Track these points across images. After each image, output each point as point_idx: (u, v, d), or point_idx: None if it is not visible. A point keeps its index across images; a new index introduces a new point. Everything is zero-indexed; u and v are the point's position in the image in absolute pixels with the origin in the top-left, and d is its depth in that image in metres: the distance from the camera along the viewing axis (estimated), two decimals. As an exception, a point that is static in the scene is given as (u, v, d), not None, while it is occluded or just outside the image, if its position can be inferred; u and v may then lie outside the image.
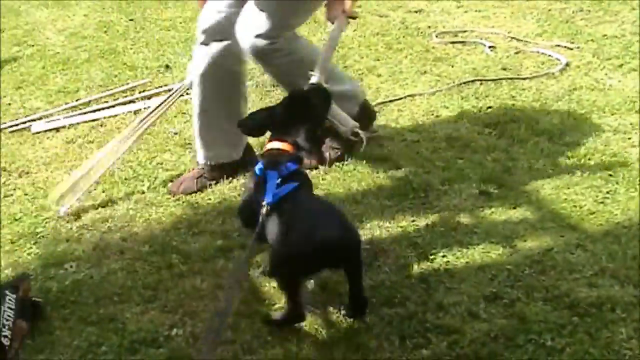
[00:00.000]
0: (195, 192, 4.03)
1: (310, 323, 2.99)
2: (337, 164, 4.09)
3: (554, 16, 5.84)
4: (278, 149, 3.15)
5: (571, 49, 5.11)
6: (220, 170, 4.10)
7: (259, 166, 3.13)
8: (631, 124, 4.19)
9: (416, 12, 6.26)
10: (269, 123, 3.23)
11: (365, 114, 4.20)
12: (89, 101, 5.34)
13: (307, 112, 3.23)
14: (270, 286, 3.22)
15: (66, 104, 5.33)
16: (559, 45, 5.25)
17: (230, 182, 4.06)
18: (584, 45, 5.28)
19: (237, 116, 3.69)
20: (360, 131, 3.69)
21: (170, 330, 3.05)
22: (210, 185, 4.06)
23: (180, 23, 6.69)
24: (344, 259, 2.88)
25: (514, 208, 3.59)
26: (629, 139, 4.06)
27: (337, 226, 2.87)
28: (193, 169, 4.17)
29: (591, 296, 2.96)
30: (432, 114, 4.57)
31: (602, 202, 3.56)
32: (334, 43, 3.83)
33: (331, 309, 3.05)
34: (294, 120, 3.18)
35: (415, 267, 3.23)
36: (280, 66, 3.93)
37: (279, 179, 3.01)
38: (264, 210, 2.92)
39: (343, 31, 3.87)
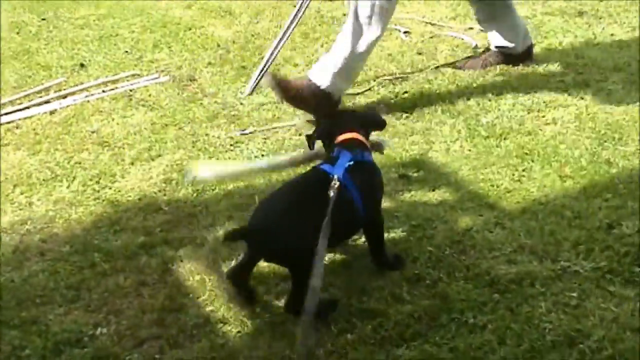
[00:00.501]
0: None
1: (235, 314, 2.99)
2: (257, 155, 4.11)
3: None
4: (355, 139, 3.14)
5: (484, 31, 5.15)
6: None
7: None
8: (544, 102, 4.26)
9: (331, 0, 6.27)
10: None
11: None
12: (4, 103, 5.24)
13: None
14: (193, 280, 3.21)
15: (-21, 106, 5.23)
16: (471, 28, 5.29)
17: (149, 179, 4.02)
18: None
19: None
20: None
21: (95, 329, 3.02)
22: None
23: (94, 21, 6.63)
24: (269, 255, 2.92)
25: (433, 190, 3.63)
26: (543, 117, 4.14)
27: (268, 221, 2.88)
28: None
29: (511, 272, 3.01)
30: (349, 101, 4.59)
31: (518, 180, 3.62)
32: None
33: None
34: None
35: (339, 253, 3.24)
36: None
37: (351, 162, 2.98)
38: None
39: None
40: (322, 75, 4.27)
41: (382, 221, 3.16)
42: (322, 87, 4.26)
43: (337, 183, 2.86)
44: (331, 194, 2.83)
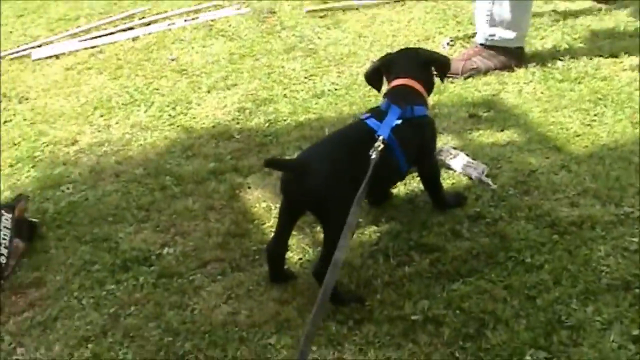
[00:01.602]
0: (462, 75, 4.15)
1: (297, 242, 3.06)
2: (330, 89, 4.14)
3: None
4: (408, 86, 3.06)
5: None
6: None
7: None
8: (623, 47, 4.19)
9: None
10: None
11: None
12: (89, 29, 5.38)
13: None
14: (259, 207, 3.29)
15: (66, 31, 5.37)
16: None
17: (224, 107, 4.10)
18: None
19: None
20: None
21: (162, 249, 3.14)
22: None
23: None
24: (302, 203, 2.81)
25: (502, 131, 3.63)
26: (620, 62, 4.07)
27: (306, 160, 2.82)
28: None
29: (572, 215, 3.00)
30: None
31: (589, 125, 3.59)
32: None
33: (318, 227, 3.11)
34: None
35: (402, 188, 3.27)
36: None
37: (400, 119, 2.89)
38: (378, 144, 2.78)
39: None
40: None
41: (436, 169, 3.14)
42: None
43: (382, 145, 2.76)
44: (373, 155, 2.72)
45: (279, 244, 2.87)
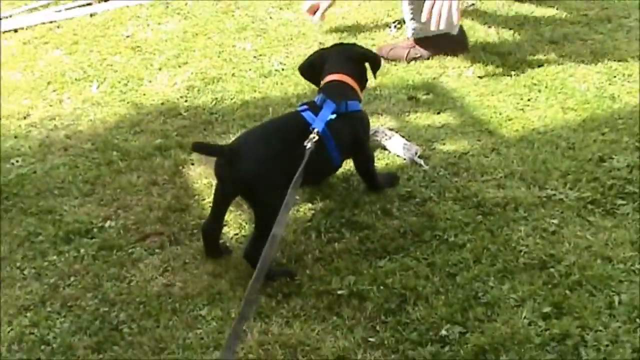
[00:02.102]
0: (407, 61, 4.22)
1: (234, 217, 3.17)
2: (278, 69, 4.24)
3: None
4: (342, 82, 3.17)
5: None
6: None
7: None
8: (564, 34, 4.32)
9: None
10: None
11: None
12: (48, 3, 5.44)
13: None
14: (201, 183, 3.40)
15: (25, 5, 5.43)
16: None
17: (174, 85, 4.20)
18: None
19: None
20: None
21: (104, 222, 3.25)
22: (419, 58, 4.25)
23: None
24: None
25: (438, 113, 3.75)
26: (559, 49, 4.20)
27: (239, 146, 2.91)
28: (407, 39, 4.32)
29: (497, 197, 3.13)
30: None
31: (521, 109, 3.72)
32: None
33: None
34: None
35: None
36: None
37: (334, 114, 3.00)
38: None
39: None
40: None
41: (369, 160, 3.23)
42: None
43: (316, 137, 2.87)
44: (308, 146, 2.82)
45: (214, 223, 2.98)
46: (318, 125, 2.92)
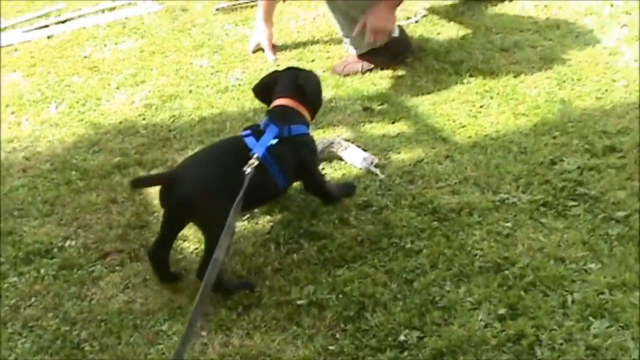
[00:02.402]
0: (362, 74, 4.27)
1: (194, 232, 3.19)
2: (234, 84, 4.29)
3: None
4: (288, 107, 3.21)
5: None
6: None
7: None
8: (514, 41, 4.38)
9: None
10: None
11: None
12: (4, 27, 5.46)
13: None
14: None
15: (-18, 30, 5.44)
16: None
17: (132, 104, 4.23)
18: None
19: None
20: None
21: (64, 241, 3.28)
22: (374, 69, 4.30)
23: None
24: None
25: (393, 123, 3.80)
26: (510, 56, 4.26)
27: (181, 171, 2.95)
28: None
29: (452, 202, 3.19)
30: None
31: (474, 116, 3.77)
32: None
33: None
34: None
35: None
36: None
37: (276, 138, 3.04)
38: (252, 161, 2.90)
39: None
40: None
41: (319, 183, 3.25)
42: None
43: (256, 162, 2.89)
44: (247, 170, 2.84)
45: (160, 249, 2.98)
46: (258, 151, 2.95)
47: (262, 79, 3.40)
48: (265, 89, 3.32)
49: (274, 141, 3.02)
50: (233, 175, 2.84)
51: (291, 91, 3.23)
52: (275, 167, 3.01)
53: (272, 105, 3.22)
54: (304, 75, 3.34)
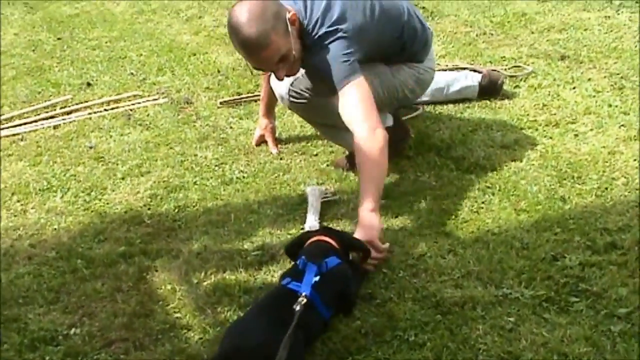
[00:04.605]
0: None
1: (198, 322, 3.23)
2: (239, 177, 4.35)
3: (459, 39, 6.13)
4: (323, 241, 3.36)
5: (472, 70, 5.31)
6: None
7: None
8: (515, 139, 4.46)
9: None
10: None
11: None
12: (12, 117, 5.54)
13: None
14: (165, 289, 3.46)
15: (-9, 120, 5.53)
16: (462, 68, 5.45)
17: (137, 194, 4.28)
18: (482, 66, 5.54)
19: None
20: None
21: (69, 329, 3.28)
22: None
23: (106, 42, 6.95)
24: None
25: (396, 217, 3.85)
26: (510, 153, 4.33)
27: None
28: None
29: (455, 296, 3.22)
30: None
31: (476, 212, 3.83)
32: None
33: (219, 309, 3.29)
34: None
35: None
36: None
37: (318, 276, 3.12)
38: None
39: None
40: None
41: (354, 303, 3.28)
42: None
43: (304, 300, 2.99)
44: (297, 308, 2.94)
45: None
46: (304, 289, 3.04)
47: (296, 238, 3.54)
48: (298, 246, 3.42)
49: (317, 277, 3.11)
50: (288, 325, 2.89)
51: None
52: (323, 305, 3.09)
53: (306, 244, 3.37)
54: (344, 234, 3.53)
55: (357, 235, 3.52)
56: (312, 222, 3.84)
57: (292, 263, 3.36)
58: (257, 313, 3.06)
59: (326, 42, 3.80)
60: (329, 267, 3.19)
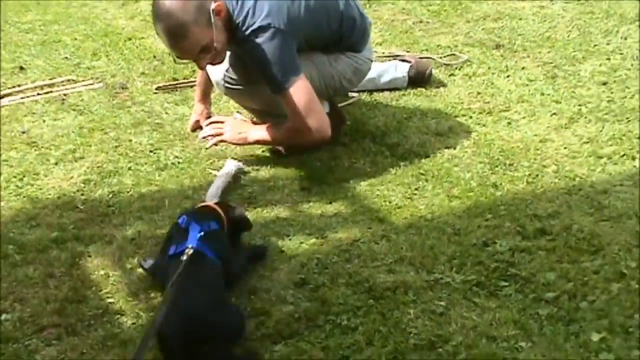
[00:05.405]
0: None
1: (131, 307, 3.24)
2: (174, 162, 4.35)
3: (396, 27, 6.16)
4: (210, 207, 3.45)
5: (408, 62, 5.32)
6: None
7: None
8: (449, 127, 4.51)
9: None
10: None
11: None
12: (-57, 101, 5.44)
13: None
14: (98, 274, 3.44)
15: None
16: (396, 56, 5.48)
17: (70, 179, 4.24)
18: (418, 54, 5.57)
19: None
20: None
21: (0, 315, 3.24)
22: None
23: (40, 26, 6.83)
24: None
25: (330, 203, 3.88)
26: (444, 140, 4.38)
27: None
28: None
29: (388, 281, 3.25)
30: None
31: (410, 198, 3.87)
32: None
33: (152, 294, 3.29)
34: None
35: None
36: None
37: (201, 232, 3.21)
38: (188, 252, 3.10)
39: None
40: None
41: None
42: None
43: (191, 251, 3.12)
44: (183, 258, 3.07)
45: None
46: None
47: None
48: None
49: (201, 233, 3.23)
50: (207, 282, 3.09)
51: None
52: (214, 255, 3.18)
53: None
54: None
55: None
56: (212, 192, 3.90)
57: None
58: (170, 291, 3.00)
59: (260, 39, 3.82)
60: (212, 228, 3.27)
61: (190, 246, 3.13)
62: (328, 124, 3.99)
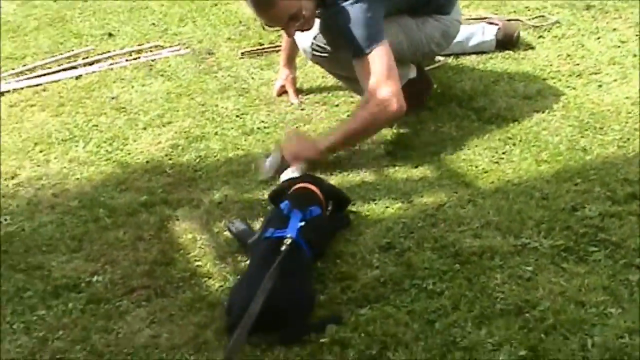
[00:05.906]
0: None
1: (219, 270, 3.27)
2: (260, 127, 4.38)
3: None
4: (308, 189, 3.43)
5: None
6: None
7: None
8: (537, 90, 4.45)
9: None
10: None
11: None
12: (34, 67, 5.56)
13: None
14: (186, 237, 3.50)
15: (12, 69, 5.54)
16: (483, 18, 5.40)
17: (158, 144, 4.30)
18: (506, 16, 5.49)
19: None
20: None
21: (92, 277, 3.32)
22: None
23: (128, -8, 6.91)
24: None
25: (416, 167, 3.87)
26: (532, 104, 4.32)
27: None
28: None
29: (474, 246, 3.22)
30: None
31: (496, 162, 3.83)
32: None
33: (239, 257, 3.33)
34: None
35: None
36: None
37: (302, 222, 3.20)
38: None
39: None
40: None
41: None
42: None
43: (290, 240, 3.08)
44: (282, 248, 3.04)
45: None
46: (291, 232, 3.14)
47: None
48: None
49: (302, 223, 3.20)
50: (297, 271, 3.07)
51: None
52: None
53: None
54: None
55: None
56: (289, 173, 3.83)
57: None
58: (255, 271, 3.06)
59: (347, 2, 3.78)
60: (313, 215, 3.26)
61: (289, 235, 3.11)
62: (402, 96, 3.89)
